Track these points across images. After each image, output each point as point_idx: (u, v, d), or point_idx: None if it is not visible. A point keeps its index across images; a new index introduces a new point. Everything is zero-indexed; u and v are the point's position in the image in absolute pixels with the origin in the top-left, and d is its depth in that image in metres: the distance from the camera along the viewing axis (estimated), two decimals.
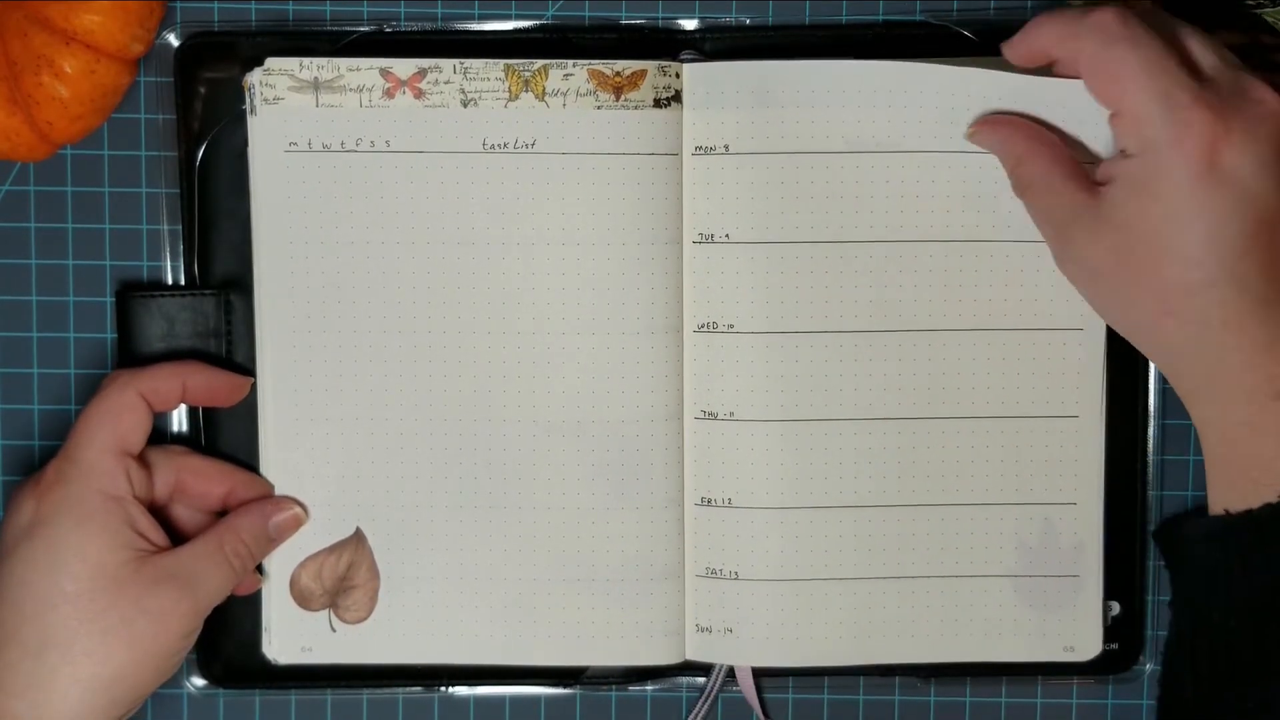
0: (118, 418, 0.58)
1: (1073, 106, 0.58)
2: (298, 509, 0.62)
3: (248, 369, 0.62)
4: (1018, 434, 0.62)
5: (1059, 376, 0.62)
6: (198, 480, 0.61)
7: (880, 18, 0.63)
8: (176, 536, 0.60)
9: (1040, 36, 0.56)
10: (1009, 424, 0.62)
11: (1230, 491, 0.55)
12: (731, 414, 0.62)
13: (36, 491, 0.57)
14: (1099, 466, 0.62)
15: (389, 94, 0.60)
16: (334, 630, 0.63)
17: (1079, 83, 0.56)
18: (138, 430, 0.58)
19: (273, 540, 0.61)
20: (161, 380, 0.59)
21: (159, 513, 0.60)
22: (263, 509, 0.61)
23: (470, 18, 0.63)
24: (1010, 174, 0.59)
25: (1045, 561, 0.62)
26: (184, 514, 0.61)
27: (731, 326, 0.61)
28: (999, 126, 0.59)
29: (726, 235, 0.61)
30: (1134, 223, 0.54)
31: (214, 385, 0.61)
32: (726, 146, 0.61)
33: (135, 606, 0.55)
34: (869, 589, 0.62)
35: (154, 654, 0.56)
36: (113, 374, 0.59)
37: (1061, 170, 0.57)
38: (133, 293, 0.62)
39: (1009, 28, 0.61)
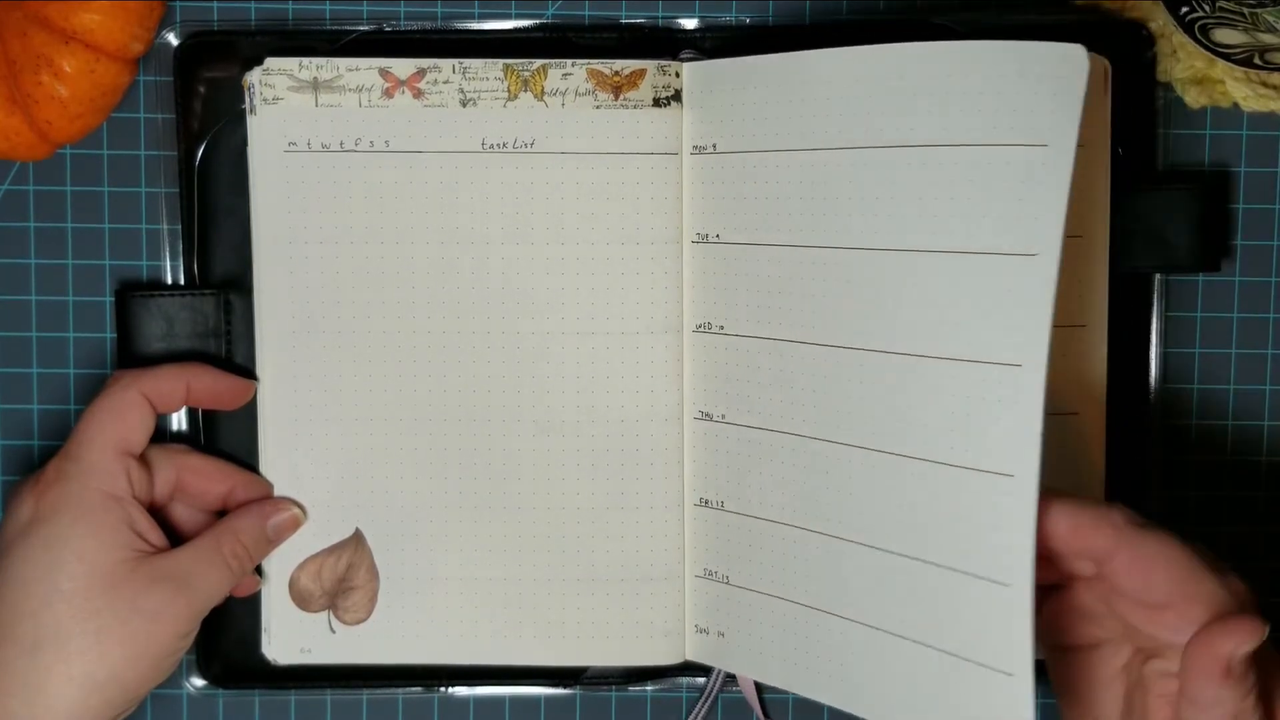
0: (120, 417, 0.58)
1: (1070, 70, 0.54)
2: (296, 510, 0.62)
3: (247, 369, 0.62)
4: None
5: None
6: (198, 479, 0.61)
7: (880, 17, 0.63)
8: (175, 536, 0.60)
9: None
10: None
11: None
12: (723, 415, 0.61)
13: (36, 490, 0.57)
14: (1100, 468, 0.62)
15: (388, 94, 0.60)
16: (333, 631, 0.62)
17: (1079, 47, 0.52)
18: (140, 430, 0.58)
19: (271, 541, 0.61)
20: (166, 381, 0.59)
21: (158, 512, 0.60)
22: (261, 510, 0.61)
23: (470, 17, 0.63)
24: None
25: None
26: (183, 513, 0.61)
27: (722, 328, 0.61)
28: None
29: (726, 235, 0.61)
30: None
31: (218, 388, 0.61)
32: (725, 146, 0.61)
33: (131, 606, 0.55)
34: (862, 635, 0.57)
35: (150, 654, 0.56)
36: (117, 373, 0.59)
37: None
38: (132, 292, 0.62)
39: (1010, 28, 0.61)
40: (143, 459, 0.59)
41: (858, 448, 0.57)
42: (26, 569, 0.55)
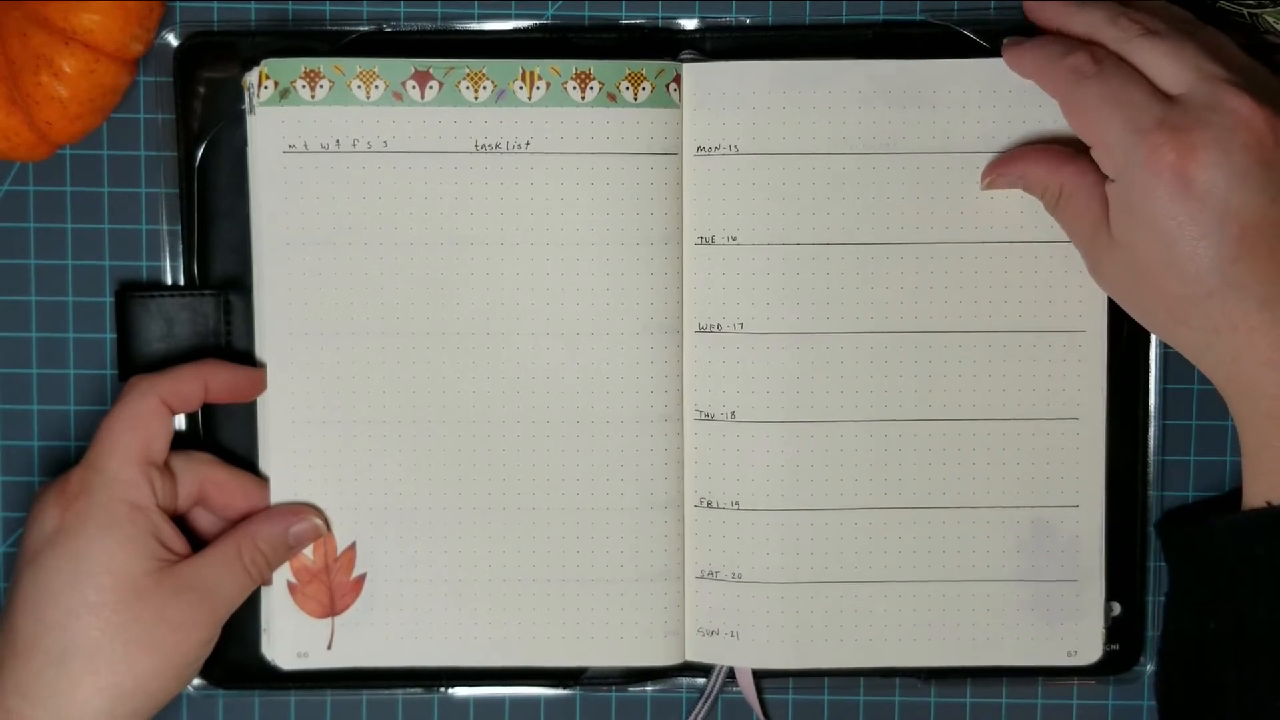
0: (141, 426, 0.57)
1: None
2: (318, 521, 0.61)
3: (251, 360, 0.62)
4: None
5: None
6: (221, 493, 0.60)
7: (880, 17, 0.63)
8: (195, 538, 0.60)
9: (1023, 70, 0.59)
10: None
11: (1261, 481, 0.56)
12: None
13: (61, 500, 0.56)
14: (1100, 468, 0.62)
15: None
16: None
17: None
18: (161, 438, 0.58)
19: (291, 549, 0.61)
20: (183, 383, 0.59)
21: (179, 517, 0.60)
22: (284, 517, 0.60)
23: (470, 17, 0.63)
24: (1041, 195, 0.59)
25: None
26: (203, 517, 0.61)
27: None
28: (1014, 163, 0.59)
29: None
30: (1131, 242, 0.55)
31: (236, 382, 0.60)
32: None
33: (158, 616, 0.56)
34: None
35: (176, 663, 0.56)
36: (134, 380, 0.59)
37: (1087, 184, 0.57)
38: (132, 293, 0.62)
39: (1010, 28, 0.61)
40: (165, 466, 0.59)
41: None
42: (53, 580, 0.55)
